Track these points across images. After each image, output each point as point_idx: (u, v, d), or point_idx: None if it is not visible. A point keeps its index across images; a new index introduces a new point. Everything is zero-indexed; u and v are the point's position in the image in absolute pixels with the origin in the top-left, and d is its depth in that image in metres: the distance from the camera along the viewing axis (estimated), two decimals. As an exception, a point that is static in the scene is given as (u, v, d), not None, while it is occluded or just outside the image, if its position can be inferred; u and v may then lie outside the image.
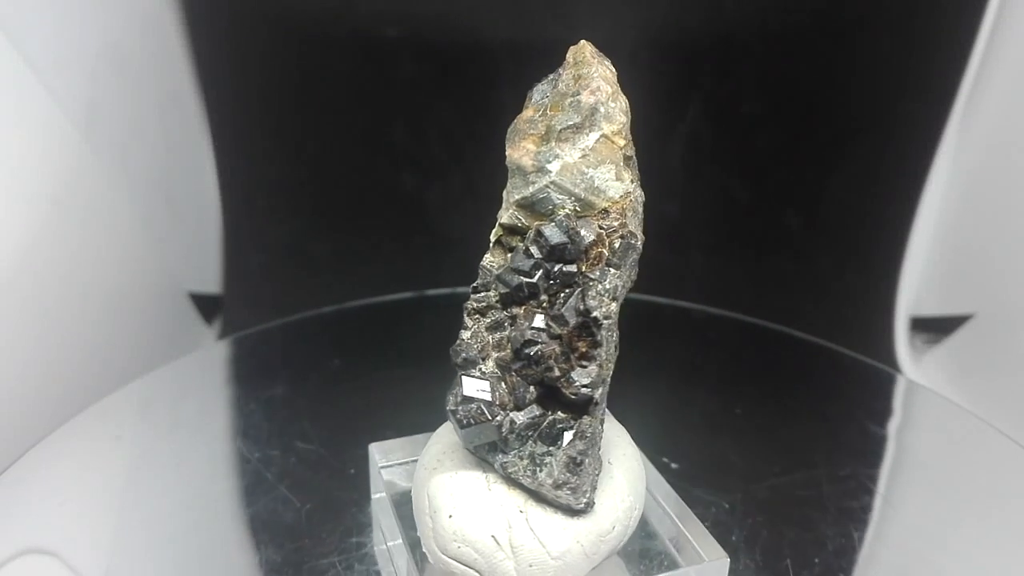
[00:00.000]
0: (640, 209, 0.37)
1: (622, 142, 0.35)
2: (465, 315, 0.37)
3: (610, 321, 0.35)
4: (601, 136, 0.35)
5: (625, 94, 0.36)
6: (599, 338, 0.35)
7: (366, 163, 0.86)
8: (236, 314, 0.90)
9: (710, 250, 0.89)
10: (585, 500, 0.36)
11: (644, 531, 0.44)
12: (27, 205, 0.64)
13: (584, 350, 0.35)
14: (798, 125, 0.83)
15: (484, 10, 0.78)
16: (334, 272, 0.90)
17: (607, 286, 0.35)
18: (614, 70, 0.36)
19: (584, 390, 0.35)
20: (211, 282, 0.92)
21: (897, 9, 0.77)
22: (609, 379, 0.36)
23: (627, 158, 0.36)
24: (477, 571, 0.36)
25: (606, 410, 0.42)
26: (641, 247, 0.36)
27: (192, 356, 0.72)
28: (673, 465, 0.54)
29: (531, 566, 0.35)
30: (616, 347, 0.37)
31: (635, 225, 0.36)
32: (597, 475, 0.37)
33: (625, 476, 0.39)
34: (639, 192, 0.37)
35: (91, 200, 0.73)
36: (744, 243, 0.89)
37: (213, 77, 0.84)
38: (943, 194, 0.85)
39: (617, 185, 0.35)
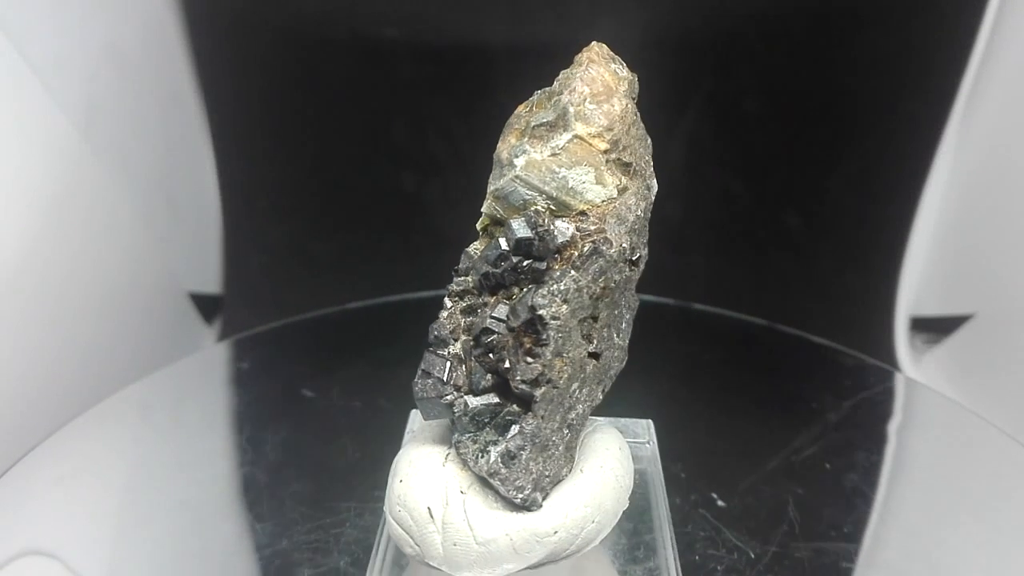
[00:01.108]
0: (631, 218, 0.35)
1: (603, 146, 0.34)
2: (446, 296, 0.37)
3: (558, 322, 0.34)
4: (574, 137, 0.34)
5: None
6: (545, 337, 0.34)
7: (366, 163, 0.86)
8: (236, 314, 0.90)
9: (711, 250, 0.89)
10: (523, 496, 0.36)
11: (633, 554, 0.44)
12: (27, 206, 0.64)
13: (529, 346, 0.35)
14: (798, 125, 0.83)
15: (484, 11, 0.78)
16: (334, 272, 0.90)
17: (560, 287, 0.34)
18: (624, 75, 0.36)
19: (523, 386, 0.35)
20: (211, 282, 0.92)
21: (897, 9, 0.77)
22: (571, 383, 0.36)
23: (623, 164, 0.35)
24: (411, 537, 0.37)
25: (600, 421, 0.42)
26: (617, 255, 0.35)
27: (193, 357, 0.72)
28: (720, 503, 0.51)
29: (455, 545, 0.36)
30: (599, 355, 0.37)
31: (618, 233, 0.35)
32: (548, 476, 0.37)
33: (591, 487, 0.38)
34: (632, 200, 0.35)
35: (91, 200, 0.73)
36: (745, 243, 0.89)
37: (213, 77, 0.84)
38: (943, 194, 0.85)
39: (597, 189, 0.35)
